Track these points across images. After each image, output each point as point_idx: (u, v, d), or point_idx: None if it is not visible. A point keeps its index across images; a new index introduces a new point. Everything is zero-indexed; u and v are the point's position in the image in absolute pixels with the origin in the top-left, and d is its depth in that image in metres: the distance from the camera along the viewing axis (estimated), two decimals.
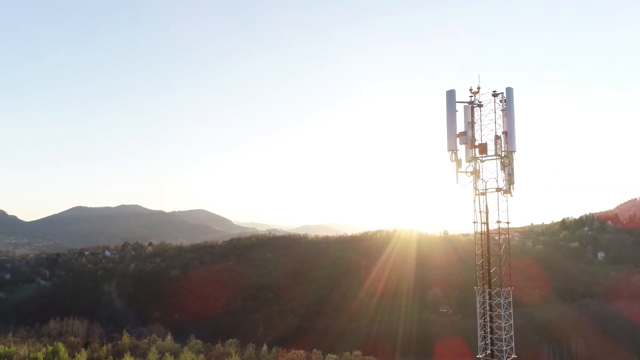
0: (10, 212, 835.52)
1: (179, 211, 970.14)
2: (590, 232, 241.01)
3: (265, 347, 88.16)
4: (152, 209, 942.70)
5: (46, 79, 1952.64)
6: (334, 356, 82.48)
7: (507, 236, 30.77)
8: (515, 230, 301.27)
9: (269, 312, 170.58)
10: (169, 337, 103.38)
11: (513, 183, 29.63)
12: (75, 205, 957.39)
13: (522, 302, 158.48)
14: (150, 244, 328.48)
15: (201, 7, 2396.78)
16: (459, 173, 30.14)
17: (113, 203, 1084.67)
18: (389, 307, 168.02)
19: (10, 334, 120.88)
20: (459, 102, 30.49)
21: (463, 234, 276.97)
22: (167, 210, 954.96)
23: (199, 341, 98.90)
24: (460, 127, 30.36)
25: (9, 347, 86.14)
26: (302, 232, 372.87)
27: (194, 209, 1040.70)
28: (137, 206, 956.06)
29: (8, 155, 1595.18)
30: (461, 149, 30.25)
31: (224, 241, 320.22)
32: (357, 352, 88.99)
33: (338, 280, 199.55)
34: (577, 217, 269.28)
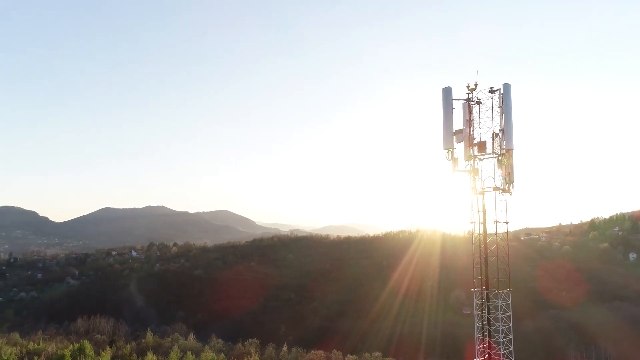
0: (42, 214, 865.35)
1: (203, 212, 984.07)
2: (621, 233, 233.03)
3: (285, 347, 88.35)
4: (177, 209, 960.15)
5: (76, 84, 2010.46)
6: (354, 357, 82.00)
7: (506, 236, 29.88)
8: (542, 230, 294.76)
9: (291, 313, 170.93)
10: (191, 336, 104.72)
11: (512, 182, 28.73)
12: (103, 207, 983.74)
13: (550, 304, 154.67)
14: (175, 245, 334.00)
15: (225, 12, 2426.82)
16: (455, 172, 29.36)
17: (139, 204, 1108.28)
18: (412, 309, 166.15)
19: (40, 331, 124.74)
20: (457, 99, 29.63)
21: (487, 234, 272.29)
22: (192, 211, 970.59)
23: (220, 340, 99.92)
24: (459, 125, 29.44)
25: (38, 344, 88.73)
26: (324, 233, 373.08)
27: (218, 209, 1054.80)
28: (162, 207, 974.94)
29: (40, 160, 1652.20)
30: (459, 147, 29.35)
31: (246, 241, 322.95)
32: (377, 354, 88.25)
33: (360, 280, 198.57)
34: (607, 216, 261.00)
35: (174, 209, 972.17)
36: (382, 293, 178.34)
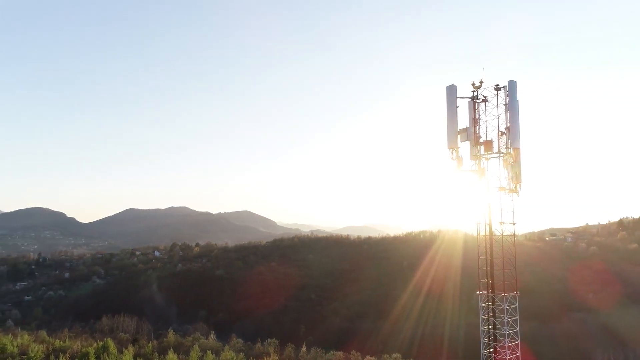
0: (69, 214, 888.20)
1: (225, 212, 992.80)
2: None
3: (304, 348, 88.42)
4: (199, 210, 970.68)
5: (101, 87, 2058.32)
6: (373, 359, 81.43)
7: (513, 238, 28.96)
8: (568, 230, 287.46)
9: (311, 313, 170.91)
10: (211, 335, 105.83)
11: (520, 182, 27.78)
12: (128, 208, 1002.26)
13: (577, 306, 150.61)
14: (197, 245, 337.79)
15: (249, 13, 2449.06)
16: (460, 172, 28.52)
17: (163, 205, 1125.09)
18: (434, 310, 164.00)
19: (67, 329, 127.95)
20: (462, 97, 28.72)
21: (511, 235, 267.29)
22: (213, 211, 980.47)
23: (239, 340, 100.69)
24: (465, 123, 28.50)
25: (64, 342, 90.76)
26: (344, 233, 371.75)
27: (239, 210, 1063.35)
28: (185, 208, 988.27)
29: (68, 163, 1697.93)
30: (463, 146, 28.49)
31: (267, 242, 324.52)
32: (397, 355, 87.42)
33: (381, 281, 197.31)
34: (636, 216, 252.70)
35: (196, 209, 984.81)
36: (403, 294, 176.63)
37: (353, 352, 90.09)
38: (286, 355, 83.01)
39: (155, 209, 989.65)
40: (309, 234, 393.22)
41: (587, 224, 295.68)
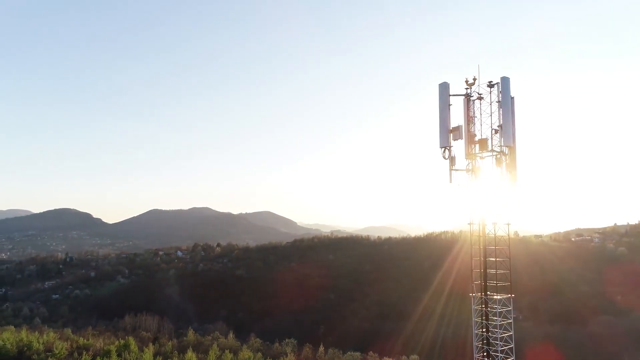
0: (95, 215, 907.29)
1: (246, 213, 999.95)
2: None
3: (321, 348, 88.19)
4: (221, 211, 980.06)
5: (125, 91, 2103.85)
6: (390, 359, 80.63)
7: (507, 238, 27.87)
8: (595, 231, 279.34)
9: (330, 314, 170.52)
10: (230, 335, 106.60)
11: (515, 181, 26.89)
12: (152, 208, 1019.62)
13: (603, 308, 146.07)
14: (218, 245, 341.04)
15: (280, 14, 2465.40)
16: (452, 171, 27.65)
17: (185, 206, 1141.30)
18: (456, 311, 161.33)
19: (90, 327, 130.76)
20: (455, 95, 27.94)
21: (535, 235, 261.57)
22: (235, 212, 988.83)
23: (258, 340, 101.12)
24: (459, 121, 27.74)
25: (88, 340, 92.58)
26: (364, 233, 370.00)
27: (260, 210, 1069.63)
28: (206, 208, 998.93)
29: (94, 166, 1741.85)
30: (457, 145, 27.71)
31: (287, 242, 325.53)
32: (415, 357, 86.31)
33: (401, 282, 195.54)
34: None
35: (218, 210, 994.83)
36: (424, 295, 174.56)
37: (371, 353, 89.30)
38: (304, 356, 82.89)
39: (178, 210, 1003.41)
40: (329, 235, 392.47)
41: (615, 224, 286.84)
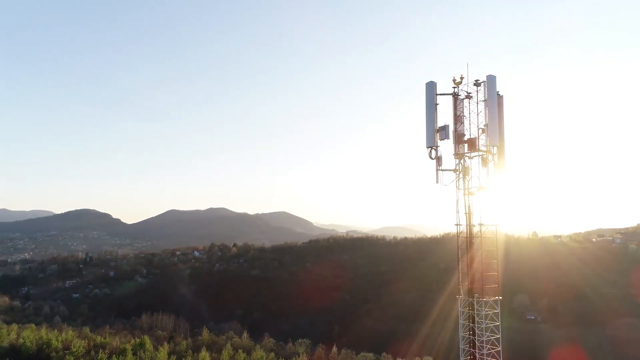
0: (115, 216, 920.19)
1: (262, 213, 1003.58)
2: None
3: (335, 349, 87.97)
4: (237, 211, 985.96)
5: (142, 96, 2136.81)
6: None
7: (495, 239, 27.24)
8: (617, 231, 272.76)
9: (345, 314, 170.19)
10: (244, 334, 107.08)
11: (504, 181, 26.39)
12: (169, 209, 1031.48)
13: (625, 311, 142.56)
14: (234, 245, 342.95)
15: (298, 13, 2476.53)
16: (439, 171, 27.10)
17: (202, 206, 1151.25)
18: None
19: (108, 326, 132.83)
20: (442, 94, 27.57)
21: (554, 236, 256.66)
22: (251, 212, 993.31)
23: (271, 339, 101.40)
24: (446, 121, 27.39)
25: (105, 339, 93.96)
26: (380, 234, 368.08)
27: (276, 211, 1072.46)
28: (223, 209, 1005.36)
29: (113, 167, 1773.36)
30: (445, 144, 27.27)
31: (302, 242, 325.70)
32: (428, 358, 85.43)
33: (417, 283, 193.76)
34: None
35: (234, 210, 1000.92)
36: (440, 296, 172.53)
37: (384, 354, 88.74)
38: (316, 356, 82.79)
39: (196, 210, 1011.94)
40: (344, 235, 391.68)
41: (638, 224, 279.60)
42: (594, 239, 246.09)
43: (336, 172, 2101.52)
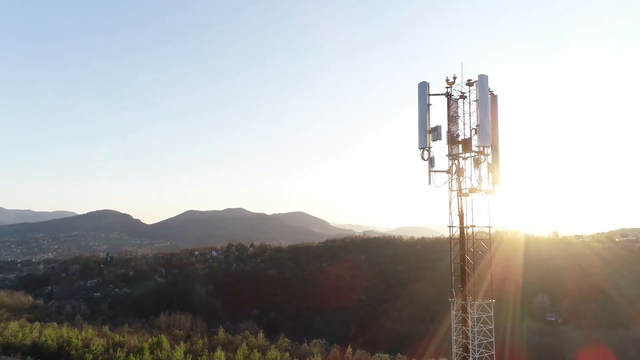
0: (135, 216, 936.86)
1: (279, 213, 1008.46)
2: None
3: (349, 349, 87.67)
4: (255, 211, 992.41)
5: (162, 95, 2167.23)
6: None
7: (488, 241, 26.74)
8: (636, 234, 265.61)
9: (361, 314, 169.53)
10: (260, 334, 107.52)
11: (497, 182, 25.75)
12: (188, 209, 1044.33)
13: None
14: (251, 245, 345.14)
15: (321, 12, 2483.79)
16: (431, 172, 26.76)
17: (220, 207, 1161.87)
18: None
19: (127, 325, 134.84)
20: (435, 94, 27.23)
21: (576, 236, 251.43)
22: (268, 212, 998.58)
23: (286, 339, 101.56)
24: (439, 121, 27.07)
25: (123, 337, 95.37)
26: (398, 234, 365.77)
27: (293, 211, 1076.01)
28: (241, 209, 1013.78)
29: (133, 169, 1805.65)
30: (438, 145, 27.00)
31: (319, 242, 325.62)
32: (443, 359, 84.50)
33: (434, 283, 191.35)
34: None
35: (251, 210, 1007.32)
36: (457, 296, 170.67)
37: (399, 355, 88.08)
38: (331, 357, 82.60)
39: (214, 211, 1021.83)
40: (361, 235, 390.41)
41: None
42: (617, 239, 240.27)
43: (353, 172, 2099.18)
